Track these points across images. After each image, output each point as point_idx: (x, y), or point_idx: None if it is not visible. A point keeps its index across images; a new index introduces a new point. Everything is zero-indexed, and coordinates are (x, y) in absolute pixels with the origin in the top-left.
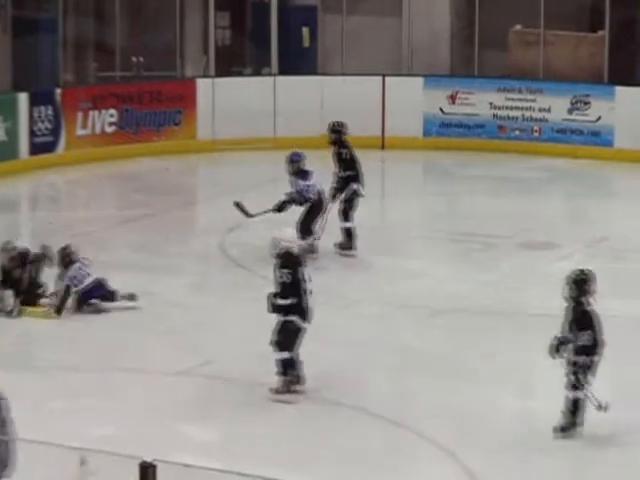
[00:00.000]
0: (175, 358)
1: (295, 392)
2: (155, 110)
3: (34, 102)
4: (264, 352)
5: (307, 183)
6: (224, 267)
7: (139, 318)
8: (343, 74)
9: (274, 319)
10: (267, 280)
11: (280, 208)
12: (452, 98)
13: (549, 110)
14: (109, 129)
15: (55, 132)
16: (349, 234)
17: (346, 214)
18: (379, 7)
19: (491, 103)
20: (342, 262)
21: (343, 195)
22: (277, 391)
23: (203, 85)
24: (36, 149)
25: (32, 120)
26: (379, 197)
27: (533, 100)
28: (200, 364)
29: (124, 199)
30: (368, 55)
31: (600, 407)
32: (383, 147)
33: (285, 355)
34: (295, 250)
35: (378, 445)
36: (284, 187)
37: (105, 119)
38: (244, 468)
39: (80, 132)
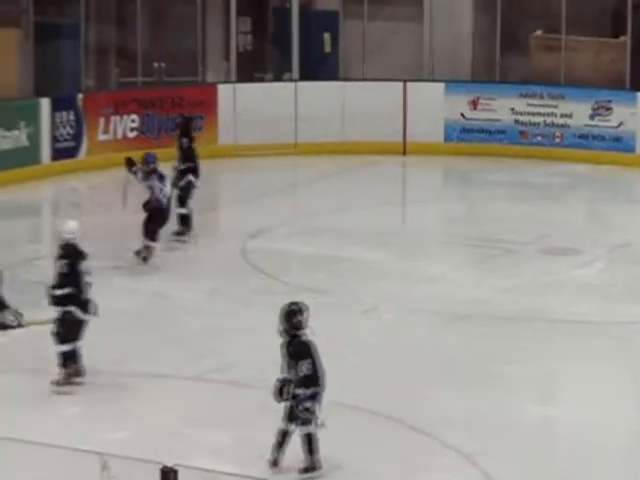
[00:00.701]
0: (191, 363)
1: (76, 384)
2: (176, 115)
3: (56, 107)
4: (279, 357)
5: (158, 197)
6: (244, 273)
7: (155, 321)
8: (364, 79)
9: None
10: (288, 286)
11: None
12: (473, 103)
13: (571, 116)
14: (131, 134)
15: (77, 137)
16: (184, 220)
17: (182, 201)
18: (400, 13)
19: (513, 109)
20: (360, 266)
21: (180, 183)
22: (57, 383)
23: (224, 90)
24: (58, 154)
25: (54, 125)
26: (400, 202)
27: (555, 106)
28: (216, 369)
29: None
30: (389, 60)
31: (318, 425)
32: (404, 152)
33: (65, 347)
34: (76, 242)
35: (396, 452)
36: (305, 192)
37: (127, 124)
38: (258, 473)
39: (102, 137)
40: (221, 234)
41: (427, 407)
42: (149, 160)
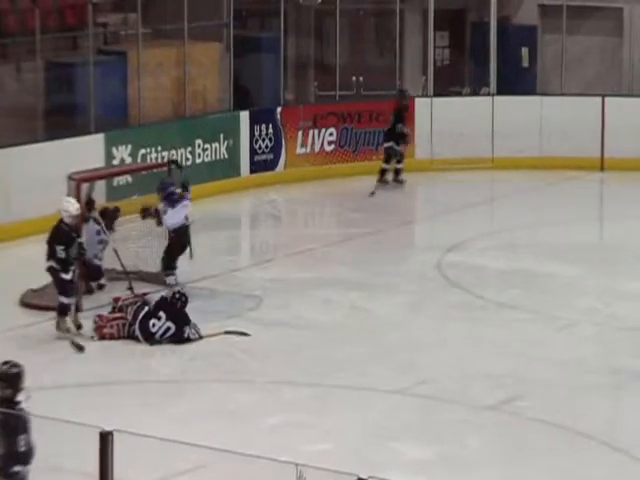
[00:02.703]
0: (390, 376)
1: None
2: (374, 129)
3: (255, 120)
4: (479, 372)
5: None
6: (440, 287)
7: (354, 334)
8: (562, 94)
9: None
10: (484, 301)
11: None
12: None
13: None
14: (328, 148)
15: (275, 150)
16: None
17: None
18: (600, 27)
19: None
20: (557, 282)
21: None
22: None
23: (421, 104)
24: (257, 167)
25: (253, 138)
26: (598, 218)
27: None
28: (415, 383)
29: (343, 217)
30: (588, 75)
31: None
32: (602, 168)
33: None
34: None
35: (593, 469)
36: (501, 207)
37: (325, 138)
38: None
39: (300, 150)
40: (417, 247)
41: (625, 425)
42: (166, 187)
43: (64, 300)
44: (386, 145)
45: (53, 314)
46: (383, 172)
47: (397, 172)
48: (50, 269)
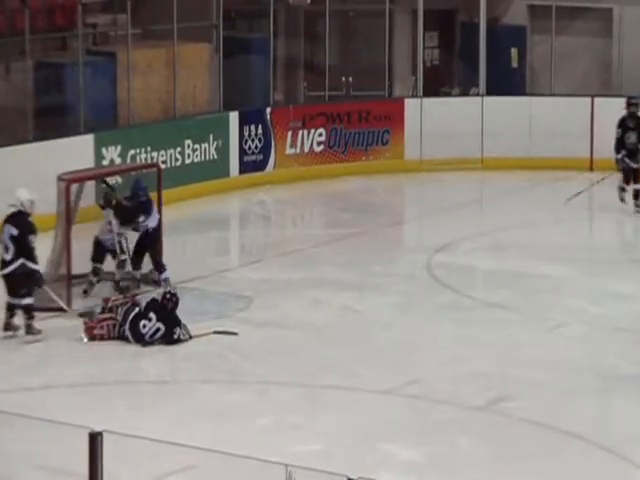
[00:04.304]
0: (380, 377)
1: None
2: (363, 130)
3: (244, 121)
4: (468, 373)
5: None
6: (430, 287)
7: (344, 335)
8: (551, 95)
9: (478, 340)
10: (474, 302)
11: None
12: None
13: None
14: (318, 148)
15: (265, 151)
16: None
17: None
18: (589, 27)
19: None
20: (546, 282)
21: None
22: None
23: (411, 105)
24: (246, 167)
25: (242, 139)
26: (587, 219)
27: None
28: (405, 384)
29: (332, 218)
30: (577, 75)
31: None
32: (592, 169)
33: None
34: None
35: (582, 469)
36: (490, 207)
37: (314, 138)
38: None
39: (289, 151)
40: (407, 248)
41: (615, 425)
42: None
43: (30, 301)
44: (617, 157)
45: (42, 315)
46: (622, 190)
47: (637, 195)
48: (20, 267)
